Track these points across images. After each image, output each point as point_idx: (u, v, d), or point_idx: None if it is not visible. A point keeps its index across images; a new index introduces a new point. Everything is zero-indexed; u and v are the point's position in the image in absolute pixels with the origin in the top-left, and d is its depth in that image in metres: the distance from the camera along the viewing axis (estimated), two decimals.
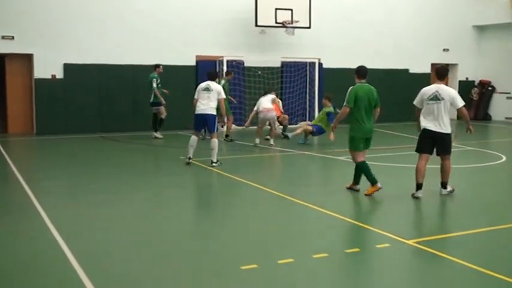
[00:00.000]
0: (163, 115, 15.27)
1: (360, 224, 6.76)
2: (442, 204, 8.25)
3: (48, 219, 6.85)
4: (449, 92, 8.16)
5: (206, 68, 17.15)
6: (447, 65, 9.48)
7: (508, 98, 21.56)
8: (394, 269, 5.50)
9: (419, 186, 8.21)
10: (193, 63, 17.27)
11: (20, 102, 16.24)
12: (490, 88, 22.12)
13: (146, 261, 5.48)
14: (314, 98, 18.59)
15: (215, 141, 10.73)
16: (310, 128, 13.91)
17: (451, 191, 8.47)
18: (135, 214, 7.36)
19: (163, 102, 15.07)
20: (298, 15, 17.65)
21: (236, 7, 17.68)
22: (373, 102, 8.44)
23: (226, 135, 14.97)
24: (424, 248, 5.87)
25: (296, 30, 17.89)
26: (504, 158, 12.15)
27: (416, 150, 8.32)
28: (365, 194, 8.35)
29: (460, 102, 8.14)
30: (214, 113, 10.79)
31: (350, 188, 8.69)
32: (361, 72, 8.54)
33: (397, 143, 14.35)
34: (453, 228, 6.74)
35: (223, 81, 14.68)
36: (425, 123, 8.14)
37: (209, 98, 10.74)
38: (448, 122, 8.16)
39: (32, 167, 11.49)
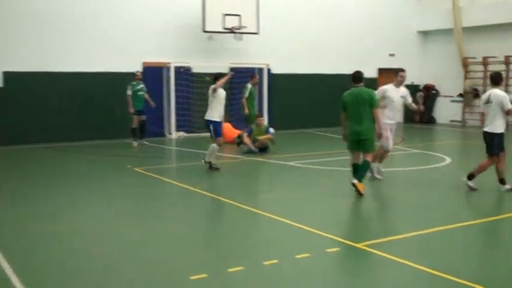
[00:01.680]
0: (134, 125, 14.97)
1: (309, 229, 6.78)
2: (388, 206, 8.41)
3: None
4: (499, 95, 8.74)
5: (153, 75, 17.07)
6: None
7: (451, 101, 22.23)
8: (344, 273, 5.54)
9: (469, 177, 9.07)
10: (140, 69, 17.01)
11: None
12: (434, 92, 22.76)
13: (92, 273, 5.33)
14: (263, 104, 18.64)
15: (212, 146, 11.02)
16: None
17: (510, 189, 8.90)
18: (82, 225, 7.16)
19: (131, 110, 14.85)
20: (247, 20, 17.68)
21: (183, 12, 17.56)
22: (363, 104, 8.59)
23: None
24: (373, 251, 5.94)
25: (244, 35, 17.92)
26: (448, 160, 12.49)
27: None
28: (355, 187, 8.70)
29: (506, 105, 8.66)
30: (212, 119, 10.91)
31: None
32: (353, 77, 8.90)
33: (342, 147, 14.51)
34: (400, 230, 6.85)
35: (249, 86, 14.63)
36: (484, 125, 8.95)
37: (210, 103, 11.01)
38: (499, 124, 8.74)
39: None
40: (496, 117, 8.73)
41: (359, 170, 8.78)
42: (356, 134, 8.70)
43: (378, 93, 9.52)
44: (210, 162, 11.01)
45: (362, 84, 8.76)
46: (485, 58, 20.91)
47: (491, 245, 6.42)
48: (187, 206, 8.41)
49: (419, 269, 5.37)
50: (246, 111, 14.53)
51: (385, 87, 9.88)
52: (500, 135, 8.82)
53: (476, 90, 21.45)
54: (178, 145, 15.51)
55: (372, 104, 8.63)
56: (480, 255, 6.01)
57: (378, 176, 9.93)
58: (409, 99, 10.21)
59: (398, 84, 9.93)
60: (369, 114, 8.63)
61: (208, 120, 10.98)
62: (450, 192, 9.29)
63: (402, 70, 10.09)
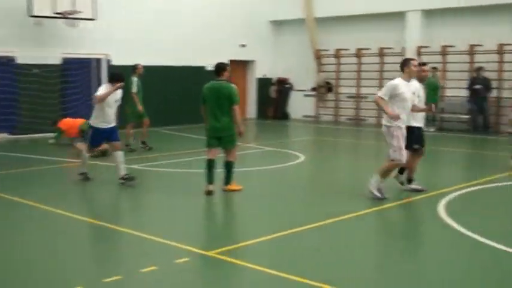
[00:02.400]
0: None
1: (156, 239, 6.79)
2: (241, 209, 8.70)
3: None
4: None
5: None
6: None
7: (304, 95, 23.41)
8: (194, 285, 5.64)
9: (408, 181, 9.35)
10: None
11: None
12: (287, 85, 23.80)
13: None
14: None
15: (83, 155, 10.31)
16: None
17: (415, 189, 9.21)
18: None
19: None
20: (82, 4, 17.11)
21: None
22: (223, 100, 8.93)
23: (143, 142, 14.22)
24: (225, 258, 6.10)
25: (80, 22, 17.35)
26: (302, 158, 13.16)
27: None
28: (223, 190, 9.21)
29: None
30: (93, 124, 10.05)
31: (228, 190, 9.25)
32: (214, 69, 9.21)
33: (193, 147, 14.69)
34: (254, 234, 7.09)
35: (135, 79, 13.71)
36: None
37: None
38: (416, 116, 9.01)
39: None
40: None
41: (225, 173, 9.21)
42: (215, 130, 9.06)
43: (386, 91, 8.53)
44: (126, 176, 9.95)
45: (225, 77, 9.09)
46: (338, 50, 22.31)
47: (343, 245, 6.89)
48: (7, 220, 7.97)
49: (274, 275, 5.62)
50: (140, 107, 13.91)
51: (395, 82, 8.59)
52: (418, 128, 9.08)
53: (329, 83, 22.82)
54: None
55: (231, 100, 8.98)
56: (333, 256, 6.43)
57: (377, 194, 8.74)
58: (421, 98, 9.04)
59: (409, 77, 8.70)
60: (227, 110, 9.01)
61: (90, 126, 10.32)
62: (303, 192, 9.82)
63: (413, 58, 9.07)
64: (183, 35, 20.60)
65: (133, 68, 14.32)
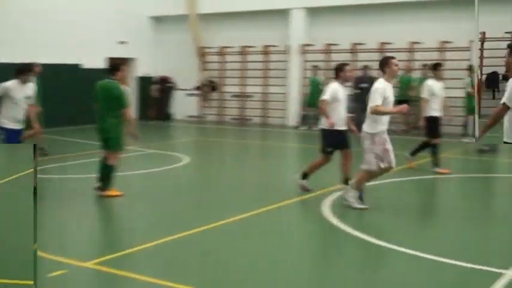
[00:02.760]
0: None
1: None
2: (121, 215, 8.52)
3: None
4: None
5: None
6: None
7: (188, 95, 23.28)
8: None
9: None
10: None
11: None
12: (170, 85, 23.57)
13: None
14: None
15: None
16: None
17: (304, 187, 9.44)
18: None
19: None
20: None
21: None
22: (111, 101, 8.77)
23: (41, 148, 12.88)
24: (106, 269, 5.89)
25: None
26: (186, 160, 13.06)
27: None
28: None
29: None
30: (3, 125, 9.13)
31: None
32: (108, 67, 9.09)
33: (72, 151, 14.21)
34: (137, 241, 6.90)
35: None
36: None
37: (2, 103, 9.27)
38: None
39: None
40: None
41: (101, 176, 8.95)
42: (101, 131, 8.92)
43: (379, 96, 8.01)
44: None
45: (118, 77, 8.89)
46: (222, 48, 22.40)
47: (231, 249, 6.86)
48: None
49: (157, 284, 5.48)
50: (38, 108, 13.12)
51: (381, 86, 8.12)
52: (340, 132, 9.40)
53: (213, 82, 22.86)
54: None
55: (119, 102, 8.83)
56: (219, 260, 6.38)
57: (360, 206, 8.37)
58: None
59: (391, 77, 8.34)
60: (115, 111, 8.85)
61: None
62: (189, 195, 9.76)
63: (393, 57, 8.47)
64: (56, 30, 19.83)
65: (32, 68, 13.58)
